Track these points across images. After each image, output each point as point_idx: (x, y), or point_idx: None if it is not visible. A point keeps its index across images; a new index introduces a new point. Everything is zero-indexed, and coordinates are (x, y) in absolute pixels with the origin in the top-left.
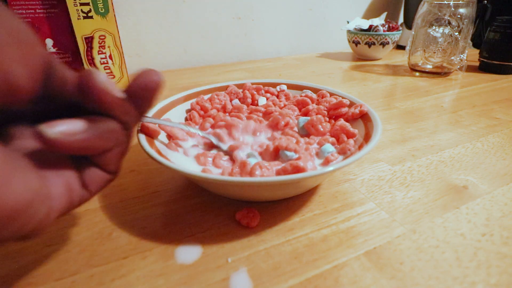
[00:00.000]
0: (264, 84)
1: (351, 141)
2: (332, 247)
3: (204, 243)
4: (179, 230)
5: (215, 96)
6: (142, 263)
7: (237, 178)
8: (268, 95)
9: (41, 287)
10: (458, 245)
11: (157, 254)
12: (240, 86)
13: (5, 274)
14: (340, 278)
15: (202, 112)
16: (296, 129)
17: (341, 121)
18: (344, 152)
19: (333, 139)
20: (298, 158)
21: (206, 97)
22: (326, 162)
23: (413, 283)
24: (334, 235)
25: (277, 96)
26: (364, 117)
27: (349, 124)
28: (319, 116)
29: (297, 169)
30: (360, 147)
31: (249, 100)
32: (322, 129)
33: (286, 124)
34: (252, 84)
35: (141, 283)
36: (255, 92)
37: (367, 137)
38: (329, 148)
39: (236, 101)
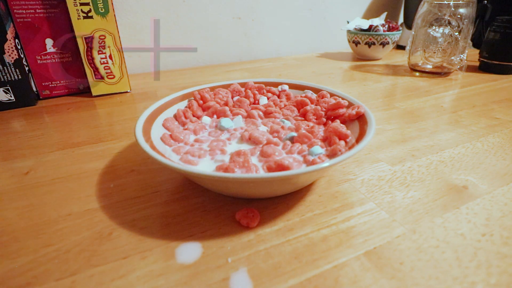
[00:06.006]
0: (266, 84)
1: (342, 142)
2: (332, 247)
3: (204, 243)
4: (179, 230)
5: (219, 91)
6: (142, 263)
7: (234, 175)
8: (270, 94)
9: (41, 287)
10: (458, 245)
11: (157, 254)
12: (242, 85)
13: (5, 274)
14: (340, 278)
15: (201, 102)
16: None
17: (336, 123)
18: (334, 154)
19: (322, 143)
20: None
21: (211, 85)
22: (311, 164)
23: (413, 283)
24: (334, 235)
25: (278, 96)
26: (360, 119)
27: (345, 126)
28: (304, 132)
29: (281, 167)
30: (351, 149)
31: (251, 99)
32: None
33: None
34: (255, 83)
35: (141, 283)
36: (256, 92)
37: (359, 139)
38: (317, 150)
39: (237, 98)
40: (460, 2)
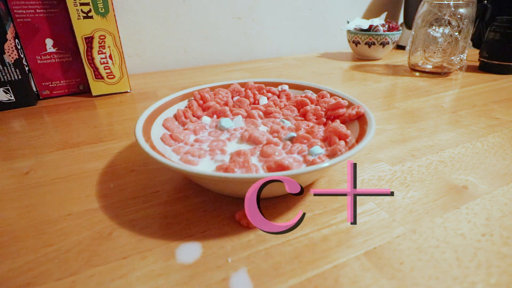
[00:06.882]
0: (266, 84)
1: (342, 142)
2: (332, 247)
3: (204, 243)
4: (179, 230)
5: (219, 91)
6: (142, 263)
7: (234, 175)
8: (270, 94)
9: (41, 287)
10: (458, 245)
11: (157, 254)
12: (242, 85)
13: (5, 274)
14: (340, 278)
15: (201, 102)
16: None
17: (336, 123)
18: (334, 154)
19: (321, 143)
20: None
21: (211, 85)
22: (311, 164)
23: (413, 283)
24: (334, 235)
25: (278, 96)
26: (360, 119)
27: (345, 126)
28: (302, 133)
29: (281, 167)
30: (351, 149)
31: (251, 99)
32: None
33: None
34: (255, 83)
35: (141, 283)
36: (256, 92)
37: (359, 139)
38: (317, 150)
39: (237, 98)
40: (460, 2)
